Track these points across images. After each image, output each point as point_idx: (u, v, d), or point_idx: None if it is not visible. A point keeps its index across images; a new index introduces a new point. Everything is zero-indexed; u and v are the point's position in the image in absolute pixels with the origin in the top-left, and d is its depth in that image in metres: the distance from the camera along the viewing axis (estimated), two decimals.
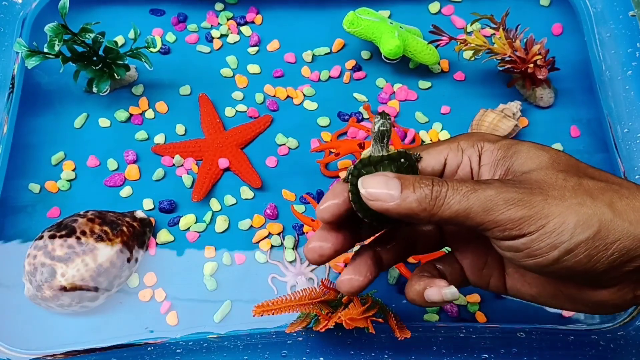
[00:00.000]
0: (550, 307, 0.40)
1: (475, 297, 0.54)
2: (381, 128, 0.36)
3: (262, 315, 0.47)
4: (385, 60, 0.65)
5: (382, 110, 0.38)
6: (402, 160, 0.37)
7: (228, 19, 0.68)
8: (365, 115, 0.62)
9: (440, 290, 0.38)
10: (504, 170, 0.37)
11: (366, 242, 0.42)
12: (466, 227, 0.34)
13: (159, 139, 0.62)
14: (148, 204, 0.58)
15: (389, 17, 0.67)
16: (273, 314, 0.47)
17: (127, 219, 0.55)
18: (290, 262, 0.56)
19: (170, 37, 0.67)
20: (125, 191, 0.59)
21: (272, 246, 0.57)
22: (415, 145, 0.61)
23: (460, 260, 0.42)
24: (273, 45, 0.67)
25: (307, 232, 0.57)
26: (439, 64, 0.65)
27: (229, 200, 0.59)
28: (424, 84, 0.64)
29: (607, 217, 0.33)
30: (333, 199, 0.37)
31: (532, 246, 0.33)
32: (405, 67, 0.65)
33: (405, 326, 0.48)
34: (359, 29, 0.61)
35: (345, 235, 0.39)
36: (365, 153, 0.37)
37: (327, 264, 0.56)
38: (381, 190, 0.34)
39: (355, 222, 0.38)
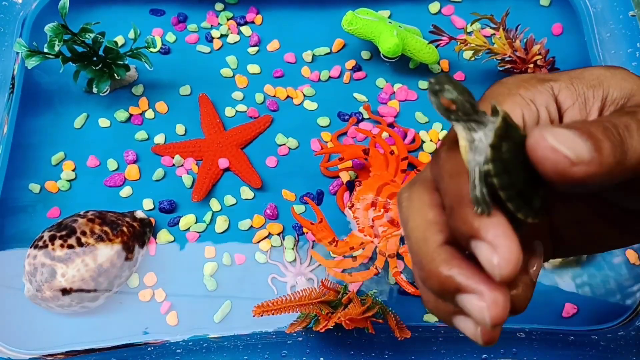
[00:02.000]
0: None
1: None
2: (452, 98, 0.23)
3: (262, 316, 0.47)
4: (384, 59, 0.65)
5: (435, 78, 0.24)
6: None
7: (228, 19, 0.68)
8: (366, 115, 0.62)
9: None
10: (600, 103, 0.27)
11: None
12: None
13: (159, 139, 0.62)
14: (148, 204, 0.58)
15: (389, 17, 0.67)
16: (273, 314, 0.47)
17: (127, 219, 0.55)
18: (290, 262, 0.56)
19: (170, 37, 0.67)
20: (125, 191, 0.59)
21: (272, 246, 0.57)
22: (415, 145, 0.61)
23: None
24: (273, 45, 0.67)
25: (307, 233, 0.57)
26: (438, 63, 0.65)
27: (229, 200, 0.59)
28: (424, 84, 0.64)
29: None
30: (496, 235, 0.23)
31: None
32: (405, 67, 0.65)
33: (405, 326, 0.49)
34: (357, 28, 0.61)
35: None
36: (464, 142, 0.23)
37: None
38: (583, 147, 0.23)
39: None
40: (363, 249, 0.54)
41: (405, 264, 0.54)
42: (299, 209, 0.58)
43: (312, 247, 0.56)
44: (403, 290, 0.55)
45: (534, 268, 0.27)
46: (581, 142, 0.22)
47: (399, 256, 0.54)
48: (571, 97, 0.28)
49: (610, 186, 0.24)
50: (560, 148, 0.22)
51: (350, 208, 0.56)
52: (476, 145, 0.23)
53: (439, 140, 0.61)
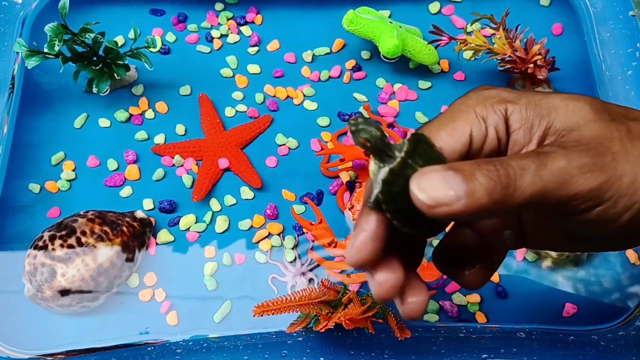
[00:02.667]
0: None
1: (475, 297, 0.54)
2: (366, 138, 0.27)
3: (262, 316, 0.47)
4: (384, 59, 0.65)
5: (354, 118, 0.28)
6: (425, 147, 0.28)
7: (228, 19, 0.68)
8: (366, 115, 0.62)
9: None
10: (542, 132, 0.30)
11: None
12: (541, 210, 0.29)
13: (159, 139, 0.62)
14: (148, 204, 0.58)
15: (389, 17, 0.67)
16: (273, 314, 0.47)
17: (127, 219, 0.55)
18: (290, 262, 0.56)
19: (170, 37, 0.67)
20: (125, 191, 0.59)
21: (272, 246, 0.57)
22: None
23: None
24: (273, 45, 0.67)
25: (306, 233, 0.57)
26: (438, 63, 0.65)
27: (229, 200, 0.59)
28: (424, 84, 0.64)
29: None
30: (362, 233, 0.29)
31: (608, 213, 0.29)
32: (405, 67, 0.65)
33: (405, 326, 0.49)
34: (358, 28, 0.61)
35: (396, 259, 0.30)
36: (372, 169, 0.28)
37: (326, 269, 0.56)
38: (443, 192, 0.26)
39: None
40: None
41: None
42: (298, 209, 0.58)
43: (312, 248, 0.56)
44: None
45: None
46: (443, 188, 0.26)
47: None
48: (519, 122, 0.31)
49: (499, 215, 0.29)
50: (418, 195, 0.26)
51: (350, 209, 0.56)
52: (378, 177, 0.28)
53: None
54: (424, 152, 0.28)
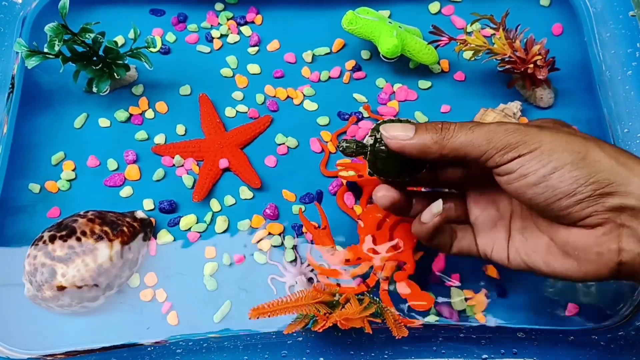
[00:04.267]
0: (544, 272, 0.42)
1: (475, 298, 0.54)
2: (349, 150, 0.45)
3: (258, 318, 0.47)
4: (383, 59, 0.65)
5: (339, 143, 0.45)
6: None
7: (228, 19, 0.68)
8: (366, 115, 0.62)
9: (429, 210, 0.43)
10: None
11: None
12: (471, 159, 0.40)
13: (159, 139, 0.62)
14: (148, 204, 0.58)
15: (389, 17, 0.67)
16: (269, 316, 0.47)
17: (128, 219, 0.55)
18: (290, 262, 0.56)
19: (170, 37, 0.67)
20: (125, 191, 0.59)
21: (271, 246, 0.57)
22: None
23: (474, 222, 0.46)
24: (273, 45, 0.67)
25: (306, 233, 0.57)
26: (438, 63, 0.65)
27: (229, 200, 0.59)
28: (424, 84, 0.64)
29: (595, 151, 0.37)
30: (384, 191, 0.45)
31: (524, 164, 0.38)
32: (405, 67, 0.65)
33: (403, 325, 0.48)
34: (357, 28, 0.61)
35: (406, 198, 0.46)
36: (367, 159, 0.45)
37: (326, 266, 0.56)
38: (399, 132, 0.41)
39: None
40: (358, 265, 0.54)
41: (396, 288, 0.54)
42: (298, 209, 0.58)
43: (312, 248, 0.56)
44: (403, 289, 0.55)
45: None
46: (402, 132, 0.41)
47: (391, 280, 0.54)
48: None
49: (439, 159, 0.41)
50: (386, 135, 0.42)
51: (359, 218, 0.56)
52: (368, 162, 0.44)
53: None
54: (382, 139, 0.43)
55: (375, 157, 0.43)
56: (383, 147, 0.43)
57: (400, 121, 0.43)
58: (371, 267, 0.54)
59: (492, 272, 0.55)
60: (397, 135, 0.41)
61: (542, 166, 0.37)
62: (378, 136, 0.43)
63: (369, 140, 0.44)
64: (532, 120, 0.44)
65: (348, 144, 0.44)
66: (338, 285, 0.54)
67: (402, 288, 0.53)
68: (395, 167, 0.44)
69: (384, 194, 0.45)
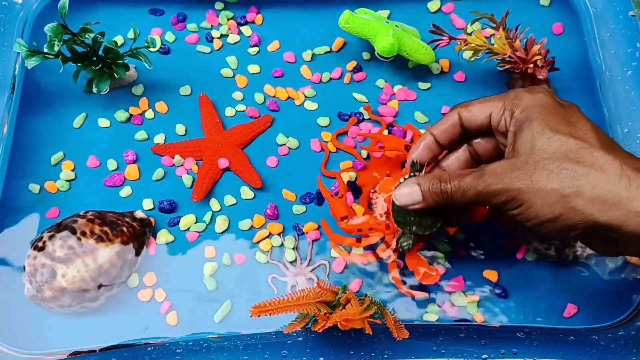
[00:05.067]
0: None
1: (475, 298, 0.54)
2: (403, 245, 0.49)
3: (259, 316, 0.47)
4: (379, 58, 0.65)
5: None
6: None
7: (228, 19, 0.68)
8: (366, 116, 0.62)
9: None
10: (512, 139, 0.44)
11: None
12: (484, 204, 0.43)
13: (159, 139, 0.62)
14: (148, 204, 0.58)
15: (388, 17, 0.67)
16: (270, 314, 0.47)
17: (127, 219, 0.55)
18: (291, 262, 0.56)
19: (170, 37, 0.67)
20: (125, 191, 0.59)
21: (272, 246, 0.57)
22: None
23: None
24: (273, 45, 0.67)
25: (306, 233, 0.57)
26: (437, 62, 0.65)
27: (229, 200, 0.59)
28: (423, 84, 0.64)
29: (576, 202, 0.40)
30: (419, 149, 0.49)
31: (526, 212, 0.41)
32: (405, 67, 0.65)
33: (403, 326, 0.48)
34: (353, 26, 0.61)
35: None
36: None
37: (326, 266, 0.56)
38: (409, 201, 0.46)
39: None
40: (370, 235, 0.55)
41: (405, 264, 0.54)
42: (299, 208, 0.58)
43: (312, 248, 0.56)
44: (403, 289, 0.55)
45: None
46: (410, 201, 0.46)
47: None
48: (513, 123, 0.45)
49: (452, 206, 0.45)
50: (395, 201, 0.47)
51: (373, 193, 0.57)
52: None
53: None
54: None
55: (420, 227, 0.48)
56: (412, 218, 0.48)
57: (408, 174, 0.48)
58: (382, 238, 0.54)
59: (491, 275, 0.55)
60: (408, 204, 0.46)
61: (537, 218, 0.41)
62: (398, 216, 0.48)
63: (402, 227, 0.49)
64: (521, 90, 0.45)
65: (407, 244, 0.49)
66: (348, 253, 0.55)
67: (413, 259, 0.54)
68: (434, 217, 0.48)
69: (404, 191, 0.47)
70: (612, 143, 0.42)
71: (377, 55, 0.64)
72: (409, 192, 0.46)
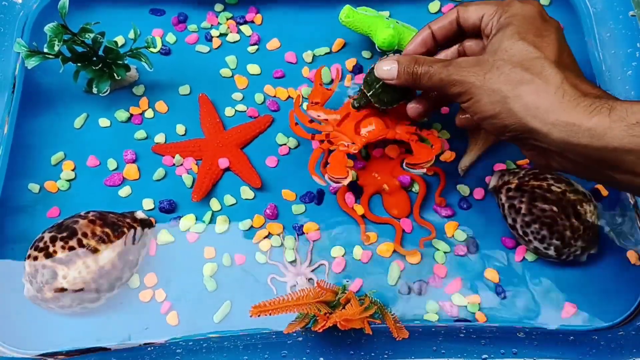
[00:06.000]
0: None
1: (475, 298, 0.54)
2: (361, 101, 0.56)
3: (259, 316, 0.47)
4: (379, 51, 0.65)
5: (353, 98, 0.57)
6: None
7: (228, 19, 0.68)
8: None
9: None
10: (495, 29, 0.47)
11: None
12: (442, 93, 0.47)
13: (159, 138, 0.62)
14: (148, 203, 0.58)
15: (388, 17, 0.67)
16: (270, 314, 0.47)
17: (128, 220, 0.55)
18: (290, 262, 0.56)
19: (170, 38, 0.67)
20: (125, 191, 0.59)
21: (272, 246, 0.57)
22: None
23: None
24: (273, 45, 0.67)
25: (306, 233, 0.57)
26: None
27: (229, 200, 0.59)
28: None
29: (514, 104, 0.42)
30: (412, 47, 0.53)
31: (475, 105, 0.44)
32: None
33: (403, 326, 0.49)
34: (353, 21, 0.61)
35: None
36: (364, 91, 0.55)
37: (326, 266, 0.56)
38: (386, 76, 0.50)
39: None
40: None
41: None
42: (298, 208, 0.58)
43: (312, 248, 0.57)
44: (402, 290, 0.55)
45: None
46: (388, 76, 0.50)
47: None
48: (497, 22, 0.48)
49: (418, 88, 0.50)
50: (375, 71, 0.51)
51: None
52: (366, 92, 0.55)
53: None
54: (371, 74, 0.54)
55: (377, 97, 0.53)
56: (378, 88, 0.53)
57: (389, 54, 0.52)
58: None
59: (491, 275, 0.55)
60: (384, 78, 0.50)
61: (491, 106, 0.43)
62: (369, 79, 0.54)
63: (366, 89, 0.54)
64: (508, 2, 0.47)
65: (359, 101, 0.55)
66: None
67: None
68: (393, 96, 0.53)
69: (413, 105, 0.53)
70: (571, 62, 0.44)
71: (377, 49, 0.64)
72: (388, 68, 0.50)
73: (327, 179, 0.56)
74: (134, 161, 0.60)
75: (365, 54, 0.66)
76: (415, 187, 0.59)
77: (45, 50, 0.56)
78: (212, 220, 0.58)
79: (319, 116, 0.58)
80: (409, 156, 0.56)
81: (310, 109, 0.59)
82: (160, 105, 0.63)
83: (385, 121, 0.57)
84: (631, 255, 0.56)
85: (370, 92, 0.53)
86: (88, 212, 0.55)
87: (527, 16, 0.45)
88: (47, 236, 0.52)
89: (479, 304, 0.54)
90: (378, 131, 0.56)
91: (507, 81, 0.42)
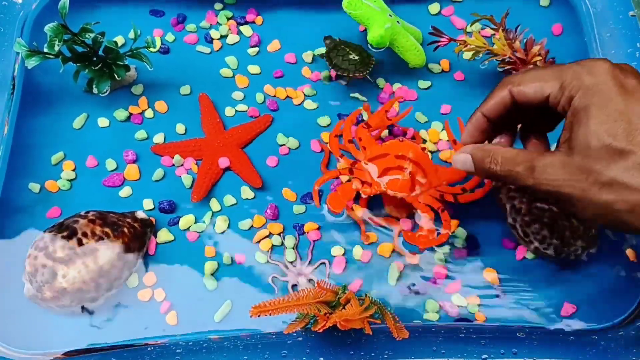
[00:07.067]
0: None
1: (475, 298, 0.54)
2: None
3: (259, 316, 0.47)
4: (370, 47, 0.65)
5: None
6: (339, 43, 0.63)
7: (228, 19, 0.68)
8: (365, 117, 0.62)
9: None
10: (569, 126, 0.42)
11: None
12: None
13: (159, 138, 0.62)
14: (148, 204, 0.58)
15: (391, 14, 0.67)
16: (270, 314, 0.47)
17: (128, 220, 0.55)
18: (291, 262, 0.56)
19: (170, 38, 0.67)
20: (125, 191, 0.59)
21: (272, 246, 0.57)
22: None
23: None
24: (273, 46, 0.67)
25: (307, 232, 0.57)
26: (434, 64, 0.65)
27: (229, 200, 0.59)
28: (423, 83, 0.64)
29: (628, 217, 0.39)
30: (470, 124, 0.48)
31: (573, 212, 0.42)
32: (405, 66, 0.65)
33: (403, 326, 0.48)
34: (356, 11, 0.61)
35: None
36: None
37: (327, 265, 0.56)
38: (464, 168, 0.47)
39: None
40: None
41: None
42: (299, 208, 0.58)
43: (313, 248, 0.57)
44: (402, 290, 0.55)
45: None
46: (463, 165, 0.47)
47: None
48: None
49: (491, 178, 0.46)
50: (453, 164, 0.48)
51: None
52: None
53: (439, 140, 0.61)
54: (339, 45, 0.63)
55: (339, 61, 0.60)
56: (339, 56, 0.60)
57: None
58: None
59: (491, 275, 0.55)
60: (462, 169, 0.47)
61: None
62: (328, 41, 0.62)
63: (331, 56, 0.61)
64: (580, 67, 0.41)
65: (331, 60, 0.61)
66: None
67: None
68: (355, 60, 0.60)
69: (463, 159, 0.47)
70: None
71: (368, 44, 0.64)
72: (463, 161, 0.46)
73: (325, 207, 0.56)
74: (134, 161, 0.60)
75: None
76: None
77: (45, 50, 0.56)
78: (212, 221, 0.58)
79: (360, 139, 0.57)
80: (411, 233, 0.54)
81: (360, 130, 0.57)
82: (161, 105, 0.63)
83: (415, 181, 0.54)
84: (631, 254, 0.56)
85: (341, 60, 0.59)
86: (88, 212, 0.55)
87: (606, 95, 0.39)
88: (47, 236, 0.52)
89: (479, 304, 0.54)
90: (398, 187, 0.54)
91: (611, 193, 0.39)
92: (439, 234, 0.54)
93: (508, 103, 0.45)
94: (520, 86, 0.43)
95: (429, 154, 0.57)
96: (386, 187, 0.54)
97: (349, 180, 0.56)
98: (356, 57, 0.60)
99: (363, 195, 0.55)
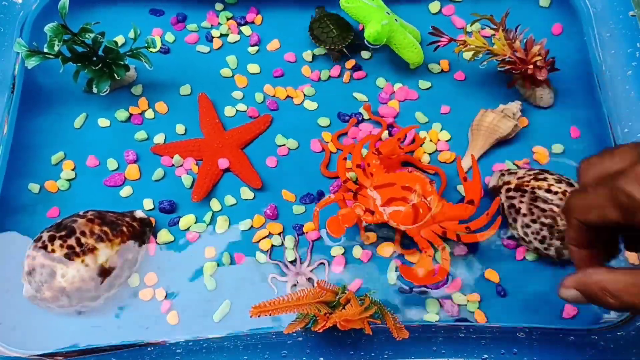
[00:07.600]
0: None
1: (475, 297, 0.54)
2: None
3: (259, 316, 0.47)
4: (367, 44, 0.65)
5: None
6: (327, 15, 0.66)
7: (228, 19, 0.68)
8: (366, 116, 0.62)
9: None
10: None
11: None
12: None
13: (159, 138, 0.62)
14: (148, 204, 0.58)
15: (389, 12, 0.67)
16: (270, 314, 0.47)
17: (127, 219, 0.55)
18: (291, 262, 0.56)
19: (170, 37, 0.67)
20: (125, 191, 0.59)
21: (272, 246, 0.57)
22: (415, 145, 0.61)
23: None
24: (273, 45, 0.67)
25: (307, 232, 0.57)
26: (438, 63, 0.65)
27: (229, 200, 0.59)
28: (424, 83, 0.64)
29: None
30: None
31: None
32: (405, 66, 0.65)
33: (403, 326, 0.48)
34: (353, 7, 0.61)
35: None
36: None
37: (326, 265, 0.56)
38: (574, 300, 0.41)
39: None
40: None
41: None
42: (298, 209, 0.58)
43: (312, 248, 0.56)
44: (402, 290, 0.55)
45: None
46: (573, 299, 0.40)
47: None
48: None
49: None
50: (563, 297, 0.41)
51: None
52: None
53: (438, 140, 0.61)
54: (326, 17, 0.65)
55: (319, 33, 0.64)
56: (320, 27, 0.64)
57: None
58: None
59: (491, 275, 0.55)
60: (572, 302, 0.42)
61: None
62: (318, 11, 0.66)
63: (314, 27, 0.64)
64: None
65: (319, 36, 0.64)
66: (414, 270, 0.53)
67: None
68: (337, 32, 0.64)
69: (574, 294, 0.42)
70: None
71: (365, 41, 0.64)
72: (573, 296, 0.41)
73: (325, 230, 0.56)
74: (135, 161, 0.60)
75: (365, 54, 0.66)
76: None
77: (45, 50, 0.56)
78: (212, 221, 0.58)
79: (368, 165, 0.56)
80: (407, 267, 0.53)
81: (370, 156, 0.56)
82: (160, 106, 0.63)
83: (418, 214, 0.52)
84: (631, 255, 0.56)
85: (329, 38, 0.63)
86: (87, 212, 0.55)
87: None
88: (45, 235, 0.52)
89: (479, 303, 0.54)
90: (401, 219, 0.53)
91: None
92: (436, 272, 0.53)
93: (585, 228, 0.41)
94: (583, 217, 0.39)
95: (434, 187, 0.55)
96: (389, 217, 0.53)
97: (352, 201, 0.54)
98: (335, 32, 0.63)
99: (364, 223, 0.54)
